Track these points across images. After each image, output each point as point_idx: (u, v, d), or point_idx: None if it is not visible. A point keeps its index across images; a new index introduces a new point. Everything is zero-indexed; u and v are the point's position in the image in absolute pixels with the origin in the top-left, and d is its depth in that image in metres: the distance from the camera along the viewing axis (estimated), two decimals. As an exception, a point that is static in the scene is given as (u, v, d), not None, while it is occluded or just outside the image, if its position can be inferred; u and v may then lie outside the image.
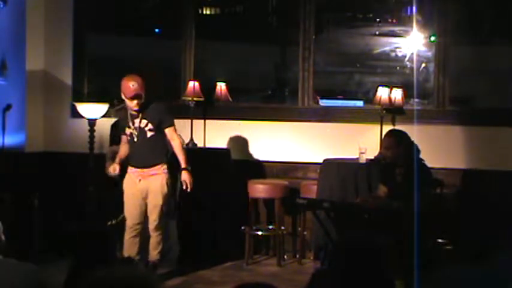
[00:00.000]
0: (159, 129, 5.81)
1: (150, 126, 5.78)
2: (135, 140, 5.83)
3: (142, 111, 5.77)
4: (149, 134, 5.80)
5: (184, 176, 5.87)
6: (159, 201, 5.82)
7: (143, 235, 5.93)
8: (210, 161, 6.91)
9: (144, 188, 5.84)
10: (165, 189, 5.82)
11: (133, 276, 2.12)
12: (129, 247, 5.83)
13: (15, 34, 7.12)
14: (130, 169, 5.90)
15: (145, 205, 5.87)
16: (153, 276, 2.27)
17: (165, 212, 5.94)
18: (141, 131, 5.80)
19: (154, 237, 5.90)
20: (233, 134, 7.28)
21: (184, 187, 5.89)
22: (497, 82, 7.03)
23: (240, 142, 7.26)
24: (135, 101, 5.70)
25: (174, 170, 6.02)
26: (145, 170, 5.83)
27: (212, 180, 6.75)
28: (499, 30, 7.25)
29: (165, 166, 5.83)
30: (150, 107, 5.80)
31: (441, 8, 6.95)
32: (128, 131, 5.86)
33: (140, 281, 2.10)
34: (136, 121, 5.79)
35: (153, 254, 5.93)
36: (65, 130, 7.56)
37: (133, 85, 5.67)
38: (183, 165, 5.86)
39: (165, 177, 5.83)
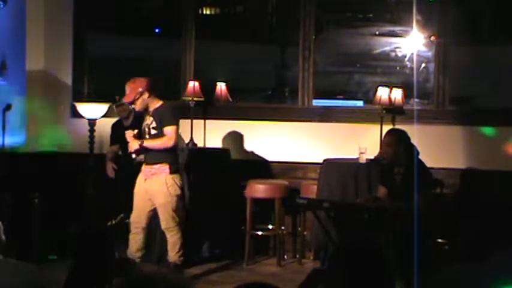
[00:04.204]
0: (161, 129, 5.84)
1: (153, 124, 5.86)
2: (144, 137, 5.91)
3: (153, 110, 5.88)
4: (153, 132, 5.87)
5: (131, 140, 5.88)
6: (162, 200, 5.81)
7: (148, 234, 5.96)
8: (210, 161, 6.92)
9: (148, 188, 5.87)
10: (165, 188, 5.79)
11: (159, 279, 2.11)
12: (131, 243, 5.89)
13: (15, 34, 7.12)
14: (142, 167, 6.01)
15: (151, 206, 5.88)
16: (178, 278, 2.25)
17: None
18: (148, 128, 5.90)
19: (169, 238, 5.89)
20: (233, 134, 7.28)
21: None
22: (497, 82, 7.03)
23: (240, 142, 7.26)
24: (133, 105, 5.93)
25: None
26: (147, 166, 5.88)
27: (212, 180, 6.75)
28: (499, 30, 7.25)
29: (167, 166, 5.81)
30: (161, 107, 5.89)
31: (441, 8, 6.95)
32: (143, 128, 5.97)
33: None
34: (147, 118, 5.92)
35: (171, 255, 5.90)
36: (65, 130, 7.56)
37: (126, 90, 5.87)
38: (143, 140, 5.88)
39: (167, 176, 5.81)
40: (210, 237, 6.82)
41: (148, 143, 5.82)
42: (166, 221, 5.84)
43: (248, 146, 7.26)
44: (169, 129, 5.80)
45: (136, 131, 5.92)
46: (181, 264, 5.90)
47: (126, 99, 5.94)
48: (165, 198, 5.80)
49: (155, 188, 5.82)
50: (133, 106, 6.00)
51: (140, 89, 5.80)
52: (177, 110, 6.04)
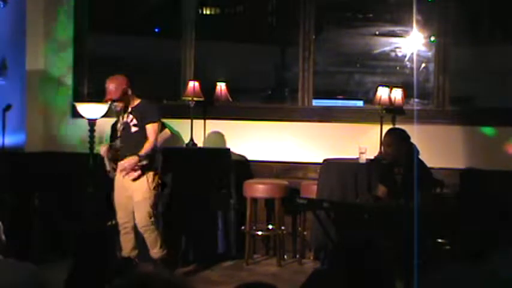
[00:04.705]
0: (142, 125, 5.81)
1: (134, 121, 5.83)
2: (119, 135, 5.88)
3: (132, 108, 5.84)
4: (133, 129, 5.83)
5: (126, 160, 5.77)
6: (141, 196, 5.77)
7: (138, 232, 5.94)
8: (210, 161, 6.91)
9: (126, 185, 5.83)
10: (146, 183, 5.76)
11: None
12: (123, 244, 5.88)
13: (15, 34, 7.12)
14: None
15: (131, 203, 5.85)
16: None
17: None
18: (127, 125, 5.85)
19: (147, 237, 5.84)
20: (233, 134, 7.28)
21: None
22: (497, 82, 7.03)
23: (240, 142, 7.25)
24: (114, 103, 5.84)
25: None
26: None
27: (212, 180, 6.75)
28: (499, 30, 7.25)
29: (148, 162, 5.78)
30: (141, 104, 5.86)
31: (441, 8, 6.95)
32: (118, 125, 5.93)
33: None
34: (125, 116, 5.87)
35: (153, 252, 5.87)
36: (65, 130, 7.56)
37: (108, 88, 5.81)
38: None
39: (146, 173, 5.78)
40: (210, 237, 6.82)
41: (143, 152, 5.73)
42: (143, 219, 5.78)
43: (248, 146, 7.25)
44: (151, 126, 5.78)
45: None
46: (167, 257, 5.88)
47: (113, 96, 5.80)
48: (145, 194, 5.76)
49: (136, 184, 5.79)
50: (115, 104, 5.89)
51: (125, 86, 5.79)
52: (158, 107, 6.02)
